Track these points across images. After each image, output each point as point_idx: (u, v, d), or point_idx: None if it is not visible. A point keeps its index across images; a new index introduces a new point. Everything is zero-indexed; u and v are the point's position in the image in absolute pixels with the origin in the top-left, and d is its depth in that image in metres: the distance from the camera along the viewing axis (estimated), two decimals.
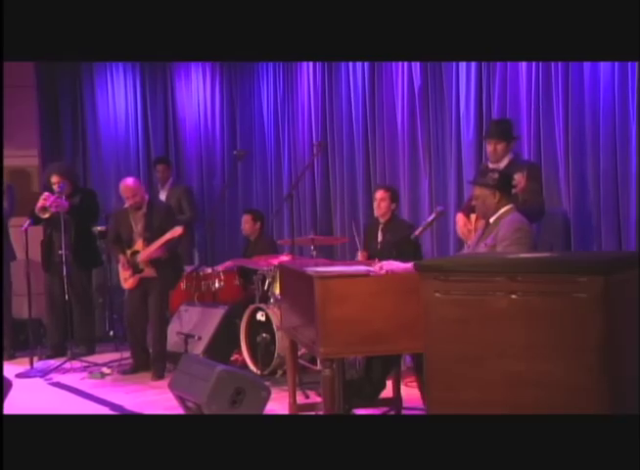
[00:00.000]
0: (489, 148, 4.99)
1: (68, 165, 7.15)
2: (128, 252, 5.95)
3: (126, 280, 5.97)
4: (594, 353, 2.41)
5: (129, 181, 6.04)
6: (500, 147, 4.92)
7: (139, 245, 5.91)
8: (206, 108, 8.26)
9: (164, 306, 6.06)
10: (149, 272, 5.88)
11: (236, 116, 8.21)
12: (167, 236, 5.76)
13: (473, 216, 4.77)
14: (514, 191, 4.47)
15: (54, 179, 6.52)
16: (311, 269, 3.87)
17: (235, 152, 7.08)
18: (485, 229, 4.21)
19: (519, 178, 4.42)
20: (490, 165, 4.98)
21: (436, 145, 6.21)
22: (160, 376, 5.83)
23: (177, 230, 5.79)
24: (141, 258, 5.86)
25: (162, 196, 7.56)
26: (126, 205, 6.03)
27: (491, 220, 4.17)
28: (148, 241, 5.85)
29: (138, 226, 5.94)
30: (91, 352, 6.76)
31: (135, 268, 5.90)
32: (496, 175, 4.17)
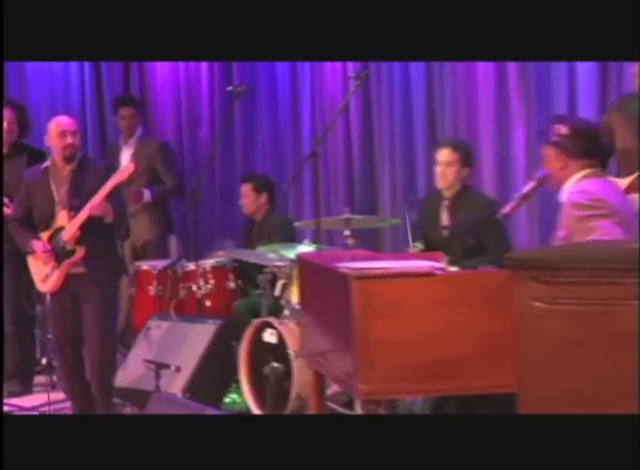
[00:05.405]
0: None
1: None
2: (44, 235, 5.86)
3: (47, 278, 5.89)
4: None
5: (65, 118, 5.99)
6: None
7: (62, 218, 5.79)
8: None
9: (109, 318, 6.03)
10: (78, 261, 5.73)
11: None
12: (115, 178, 5.64)
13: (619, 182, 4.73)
14: None
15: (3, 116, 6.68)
16: (346, 266, 3.88)
17: (230, 88, 7.07)
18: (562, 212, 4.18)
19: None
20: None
21: (538, 73, 6.18)
22: None
23: (128, 167, 5.74)
24: (79, 217, 5.62)
25: (126, 154, 7.56)
26: (53, 158, 5.87)
27: (563, 199, 4.14)
28: (76, 211, 5.73)
29: (61, 191, 5.82)
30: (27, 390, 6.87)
31: (61, 253, 5.78)
32: (565, 130, 4.11)
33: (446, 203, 5.86)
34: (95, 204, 5.59)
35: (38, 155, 6.70)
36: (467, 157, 5.86)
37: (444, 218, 5.86)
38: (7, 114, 6.74)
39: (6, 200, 6.47)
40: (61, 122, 5.90)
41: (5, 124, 6.69)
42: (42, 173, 5.90)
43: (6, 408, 6.35)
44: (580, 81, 5.90)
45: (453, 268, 4.52)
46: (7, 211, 6.39)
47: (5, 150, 6.72)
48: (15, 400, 6.54)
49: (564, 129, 4.10)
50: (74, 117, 6.42)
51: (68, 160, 5.81)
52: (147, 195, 7.42)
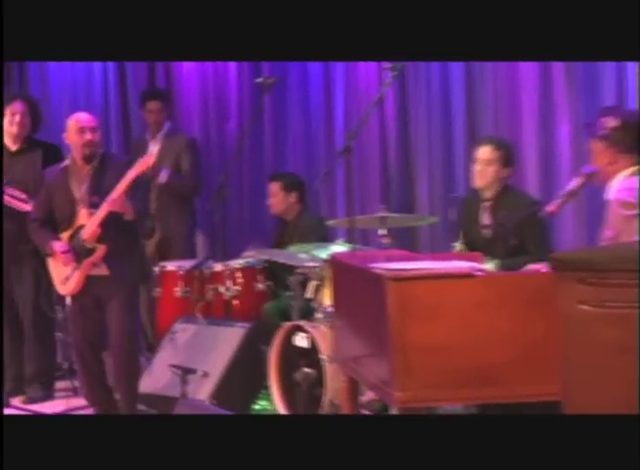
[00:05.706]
0: None
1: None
2: (64, 235, 5.88)
3: (67, 280, 5.88)
4: None
5: (84, 115, 5.99)
6: None
7: (83, 217, 5.77)
8: None
9: (133, 321, 6.03)
10: (98, 259, 5.71)
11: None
12: (135, 170, 5.62)
13: None
14: None
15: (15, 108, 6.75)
16: (381, 266, 3.88)
17: (259, 80, 7.07)
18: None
19: None
20: None
21: (585, 66, 6.17)
22: None
23: (150, 156, 5.71)
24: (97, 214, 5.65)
25: (153, 150, 7.55)
26: (72, 155, 5.89)
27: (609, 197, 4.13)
28: (96, 208, 5.68)
29: (81, 189, 5.81)
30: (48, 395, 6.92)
31: (81, 252, 5.75)
32: (614, 122, 4.07)
33: (487, 204, 5.82)
34: (114, 198, 5.61)
35: (53, 150, 6.76)
36: (508, 157, 5.82)
37: (484, 219, 5.82)
38: (19, 105, 6.78)
39: (24, 196, 6.52)
40: (80, 119, 5.90)
41: (18, 117, 6.74)
42: (62, 172, 5.92)
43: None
44: (630, 74, 5.86)
45: (493, 269, 4.52)
46: (25, 206, 6.43)
47: (18, 145, 6.78)
48: (36, 407, 6.59)
49: (613, 122, 4.07)
50: (96, 113, 6.44)
51: (87, 158, 5.82)
52: (164, 175, 7.39)
